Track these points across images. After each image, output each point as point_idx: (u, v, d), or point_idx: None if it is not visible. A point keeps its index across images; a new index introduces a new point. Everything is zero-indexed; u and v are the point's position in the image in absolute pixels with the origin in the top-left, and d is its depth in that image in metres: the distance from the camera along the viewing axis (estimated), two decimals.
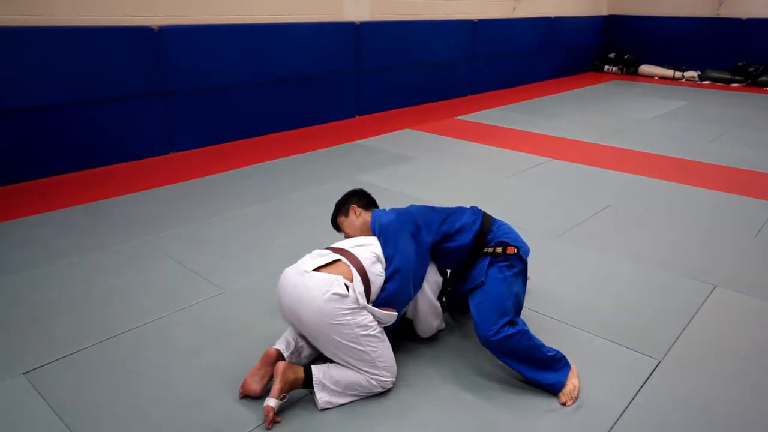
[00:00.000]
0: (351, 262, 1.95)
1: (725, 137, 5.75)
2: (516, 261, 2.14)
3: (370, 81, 6.51)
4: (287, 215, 3.56)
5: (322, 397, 1.87)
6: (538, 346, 1.99)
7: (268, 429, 1.78)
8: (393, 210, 2.22)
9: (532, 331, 2.02)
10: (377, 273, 1.99)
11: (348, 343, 1.87)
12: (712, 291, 2.71)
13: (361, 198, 2.38)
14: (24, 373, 2.06)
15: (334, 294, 1.84)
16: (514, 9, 8.46)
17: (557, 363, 2.00)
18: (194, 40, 4.85)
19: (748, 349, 2.28)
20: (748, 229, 3.46)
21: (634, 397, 1.99)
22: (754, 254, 3.13)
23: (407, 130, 5.87)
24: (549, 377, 1.98)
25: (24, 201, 3.76)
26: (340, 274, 1.90)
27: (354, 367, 1.91)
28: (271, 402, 1.79)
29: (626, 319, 2.46)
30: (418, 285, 2.08)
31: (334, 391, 1.88)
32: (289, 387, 1.84)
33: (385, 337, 1.97)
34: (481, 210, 2.30)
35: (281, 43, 5.48)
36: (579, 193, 4.06)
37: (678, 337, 2.34)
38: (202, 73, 4.96)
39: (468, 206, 2.34)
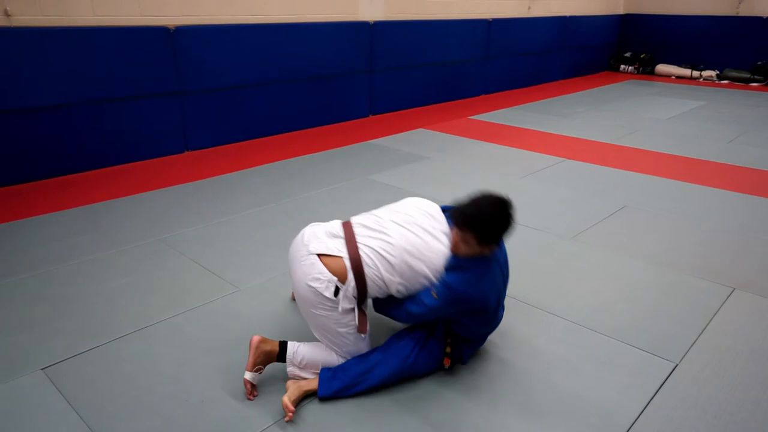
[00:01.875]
0: (352, 262, 1.85)
1: (744, 138, 5.66)
2: None
3: (384, 80, 6.50)
4: (301, 214, 3.57)
5: (291, 370, 1.98)
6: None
7: (250, 400, 1.92)
8: (472, 271, 1.85)
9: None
10: (387, 280, 1.87)
11: (324, 331, 1.97)
12: (730, 294, 2.67)
13: (486, 234, 1.83)
14: (42, 369, 2.09)
15: (322, 294, 1.86)
16: (529, 8, 8.40)
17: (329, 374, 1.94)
18: (210, 40, 4.88)
19: (767, 353, 2.25)
20: (767, 231, 3.41)
21: (650, 400, 1.97)
22: None
23: (420, 130, 5.86)
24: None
25: (41, 199, 3.81)
26: (335, 273, 1.85)
27: (330, 346, 2.00)
28: (247, 375, 1.93)
29: (642, 322, 2.44)
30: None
31: (304, 368, 1.98)
32: (263, 359, 1.95)
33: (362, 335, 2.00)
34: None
35: (295, 42, 5.50)
36: (594, 193, 4.02)
37: (696, 340, 2.31)
38: (217, 73, 4.99)
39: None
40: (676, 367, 2.14)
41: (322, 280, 1.84)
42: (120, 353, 2.19)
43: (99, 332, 2.32)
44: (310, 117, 5.87)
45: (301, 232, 2.01)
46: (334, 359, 2.00)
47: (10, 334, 2.30)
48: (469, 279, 1.84)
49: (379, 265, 1.87)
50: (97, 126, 4.39)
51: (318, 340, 2.04)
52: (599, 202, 3.83)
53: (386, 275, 1.87)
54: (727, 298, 2.64)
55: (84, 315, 2.45)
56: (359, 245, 1.88)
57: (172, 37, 4.63)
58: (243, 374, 1.97)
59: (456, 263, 1.87)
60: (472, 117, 6.54)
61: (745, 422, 1.88)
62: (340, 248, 1.88)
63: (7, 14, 3.85)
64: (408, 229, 1.91)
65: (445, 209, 2.06)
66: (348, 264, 1.86)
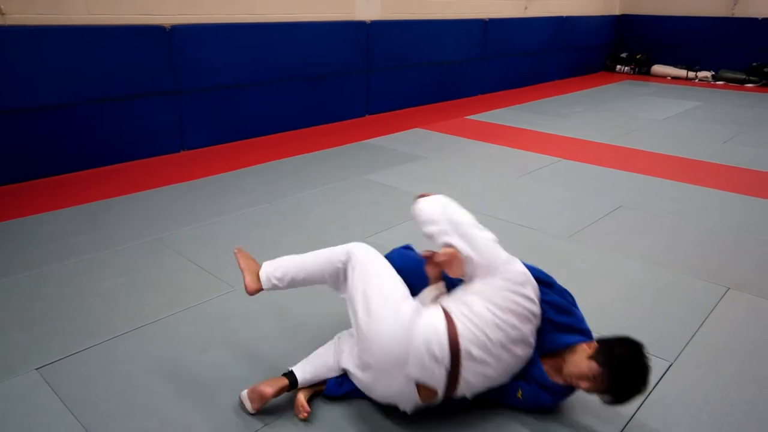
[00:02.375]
0: (444, 395, 1.74)
1: (739, 138, 5.68)
2: None
3: (380, 80, 6.50)
4: (296, 214, 3.56)
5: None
6: None
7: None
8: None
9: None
10: (467, 394, 1.81)
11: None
12: (725, 293, 2.68)
13: (610, 359, 1.77)
14: (37, 369, 2.08)
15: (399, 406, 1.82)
16: (526, 8, 8.42)
17: None
18: (206, 39, 4.87)
19: (762, 352, 2.26)
20: (763, 231, 3.42)
21: (645, 398, 1.97)
22: None
23: (417, 130, 5.86)
24: None
25: (37, 198, 3.79)
26: (423, 398, 1.76)
27: None
28: (252, 412, 1.88)
29: (638, 321, 2.44)
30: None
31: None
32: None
33: None
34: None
35: (292, 41, 5.49)
36: (590, 193, 4.03)
37: (690, 339, 2.32)
38: (213, 72, 4.98)
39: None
40: (671, 366, 2.15)
41: (408, 402, 1.79)
42: (116, 353, 2.19)
43: (95, 331, 2.31)
44: (306, 116, 5.87)
45: (401, 326, 1.72)
46: (337, 369, 1.96)
47: (4, 334, 2.29)
48: (560, 399, 1.90)
49: (467, 390, 1.79)
50: (93, 125, 4.37)
51: (319, 349, 2.00)
52: (595, 202, 3.83)
53: (468, 393, 1.81)
54: (722, 297, 2.65)
55: (80, 314, 2.44)
56: (460, 381, 1.73)
57: (168, 36, 4.62)
58: (239, 371, 1.97)
59: (556, 387, 1.84)
60: (468, 117, 6.55)
61: (740, 422, 1.89)
62: (439, 382, 1.72)
63: (1, 13, 3.83)
64: (513, 353, 1.77)
65: (539, 279, 1.93)
66: (440, 394, 1.76)
